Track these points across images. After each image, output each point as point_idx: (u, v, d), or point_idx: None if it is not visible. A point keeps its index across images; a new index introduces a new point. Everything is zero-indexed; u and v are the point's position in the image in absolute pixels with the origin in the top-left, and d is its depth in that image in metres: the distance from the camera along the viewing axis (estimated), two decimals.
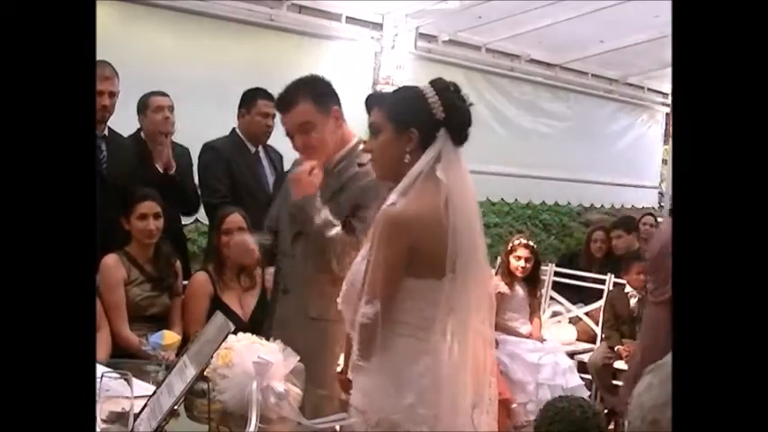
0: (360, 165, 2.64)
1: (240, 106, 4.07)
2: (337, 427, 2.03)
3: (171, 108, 3.89)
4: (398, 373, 2.03)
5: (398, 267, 2.03)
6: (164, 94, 3.91)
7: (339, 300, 2.14)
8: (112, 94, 3.58)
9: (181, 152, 4.02)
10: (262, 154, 4.10)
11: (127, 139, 3.89)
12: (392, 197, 2.06)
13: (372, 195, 2.46)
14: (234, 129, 4.08)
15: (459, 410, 2.04)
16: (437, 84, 2.14)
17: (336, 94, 2.72)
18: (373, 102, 2.25)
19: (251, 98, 4.03)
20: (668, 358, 1.13)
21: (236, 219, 3.44)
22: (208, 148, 4.01)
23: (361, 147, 2.59)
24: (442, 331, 2.07)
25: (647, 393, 1.12)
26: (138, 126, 3.95)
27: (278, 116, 2.94)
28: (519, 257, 4.81)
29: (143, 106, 3.90)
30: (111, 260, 3.31)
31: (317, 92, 2.67)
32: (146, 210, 3.37)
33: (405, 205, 2.03)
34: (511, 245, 4.89)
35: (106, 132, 3.66)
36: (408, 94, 2.18)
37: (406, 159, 2.08)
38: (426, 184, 2.05)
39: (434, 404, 2.02)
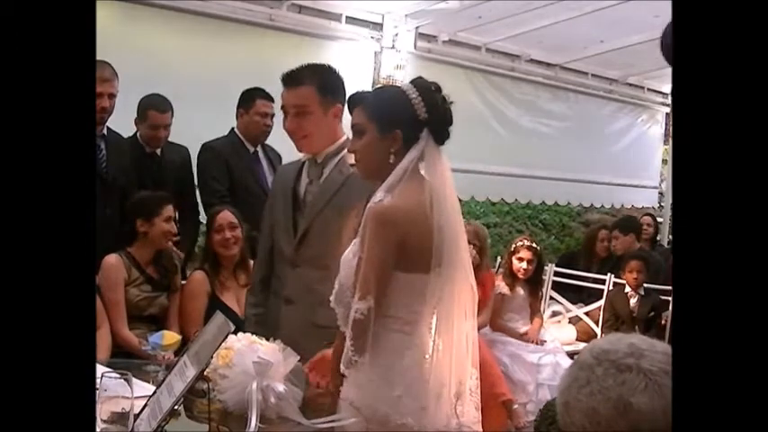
0: (352, 165, 2.61)
1: (239, 106, 4.07)
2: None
3: (167, 126, 3.92)
4: (388, 367, 2.05)
5: (389, 262, 2.04)
6: (162, 109, 3.91)
7: (332, 298, 2.14)
8: (112, 96, 3.59)
9: (181, 153, 4.06)
10: (260, 154, 4.10)
11: (126, 140, 3.90)
12: (379, 194, 2.08)
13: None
14: (233, 129, 4.09)
15: (444, 401, 2.07)
16: (419, 83, 2.15)
17: (344, 93, 2.65)
18: (355, 102, 2.23)
19: (250, 98, 4.04)
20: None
21: (225, 215, 3.49)
22: (206, 148, 4.02)
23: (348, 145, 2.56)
24: (428, 325, 2.10)
25: (561, 383, 1.32)
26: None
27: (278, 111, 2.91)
28: (522, 259, 4.80)
29: (141, 116, 3.91)
30: (112, 260, 3.33)
31: (324, 82, 2.63)
32: (170, 212, 3.45)
33: (392, 201, 2.05)
34: (514, 246, 4.88)
35: (105, 132, 3.67)
36: (391, 95, 2.19)
37: (391, 159, 2.10)
38: (411, 181, 2.08)
39: (421, 396, 2.04)
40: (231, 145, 4.03)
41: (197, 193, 4.09)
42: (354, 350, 2.02)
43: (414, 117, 2.10)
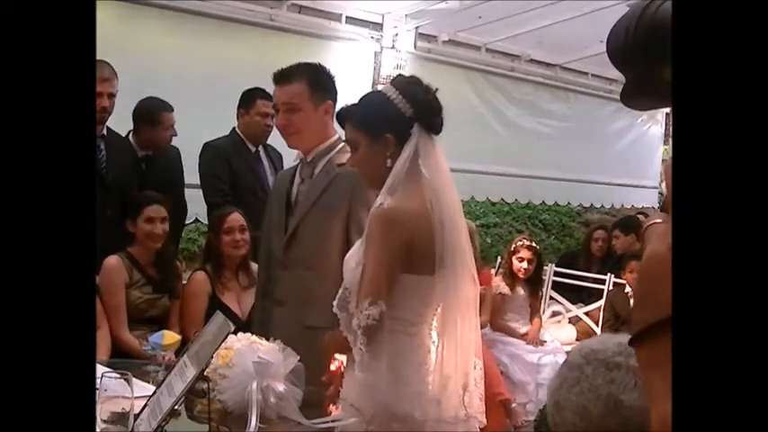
0: (339, 164, 2.61)
1: (239, 106, 4.07)
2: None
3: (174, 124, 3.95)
4: (398, 367, 2.05)
5: (396, 265, 2.05)
6: (171, 108, 3.94)
7: (335, 303, 2.14)
8: (111, 96, 3.58)
9: (172, 153, 4.06)
10: (262, 154, 4.11)
11: (125, 140, 3.90)
12: (380, 198, 2.08)
13: (362, 193, 2.46)
14: (234, 128, 4.09)
15: (453, 394, 2.09)
16: (397, 82, 2.18)
17: (335, 90, 2.71)
18: (343, 117, 2.25)
19: (250, 98, 4.04)
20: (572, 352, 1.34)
21: (237, 218, 3.47)
22: (209, 148, 4.02)
23: (346, 160, 2.56)
24: (432, 323, 2.12)
25: (550, 384, 1.34)
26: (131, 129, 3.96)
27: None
28: (522, 259, 4.81)
29: (156, 120, 3.89)
30: (113, 261, 3.30)
31: (315, 79, 2.67)
32: (153, 213, 3.39)
33: (394, 203, 2.05)
34: (514, 246, 4.89)
35: (105, 132, 3.67)
36: (374, 101, 2.22)
37: (388, 164, 2.11)
38: (411, 180, 2.09)
39: (434, 391, 2.07)
40: (233, 145, 4.03)
41: (185, 193, 4.09)
42: (371, 356, 2.01)
43: (400, 116, 2.11)
